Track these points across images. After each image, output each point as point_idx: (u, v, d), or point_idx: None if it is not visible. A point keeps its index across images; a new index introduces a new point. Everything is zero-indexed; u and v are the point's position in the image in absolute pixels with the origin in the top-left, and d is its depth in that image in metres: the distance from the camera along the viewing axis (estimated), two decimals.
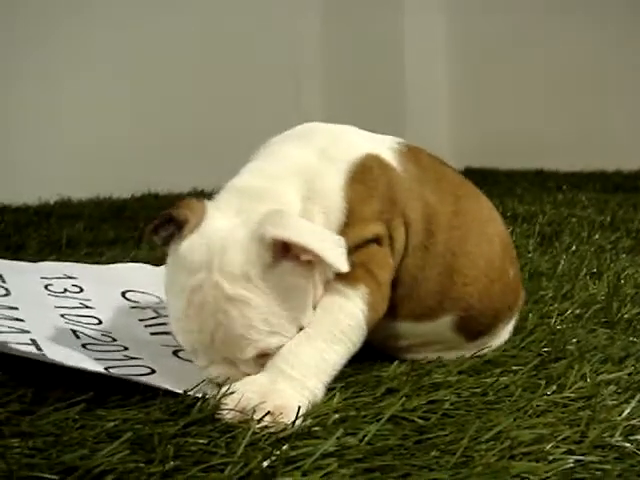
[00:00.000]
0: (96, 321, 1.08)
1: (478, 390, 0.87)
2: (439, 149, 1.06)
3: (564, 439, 0.73)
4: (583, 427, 0.76)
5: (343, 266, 0.83)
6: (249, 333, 0.82)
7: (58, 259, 1.51)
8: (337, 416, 0.77)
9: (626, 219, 2.18)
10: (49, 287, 1.20)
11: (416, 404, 0.81)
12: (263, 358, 0.84)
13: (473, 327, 1.00)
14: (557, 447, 0.72)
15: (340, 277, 0.87)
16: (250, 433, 0.70)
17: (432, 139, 4.01)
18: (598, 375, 0.92)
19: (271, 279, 0.83)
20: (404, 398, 0.82)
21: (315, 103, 3.33)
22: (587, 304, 1.27)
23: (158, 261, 1.35)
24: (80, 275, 1.27)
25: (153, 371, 0.89)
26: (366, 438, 0.71)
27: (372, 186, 0.93)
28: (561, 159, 3.62)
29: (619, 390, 0.88)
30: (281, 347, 0.84)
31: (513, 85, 3.86)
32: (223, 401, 0.77)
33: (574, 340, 1.07)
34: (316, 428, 0.74)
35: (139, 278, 1.32)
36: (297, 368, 0.82)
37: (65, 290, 1.20)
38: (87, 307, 1.14)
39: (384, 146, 0.98)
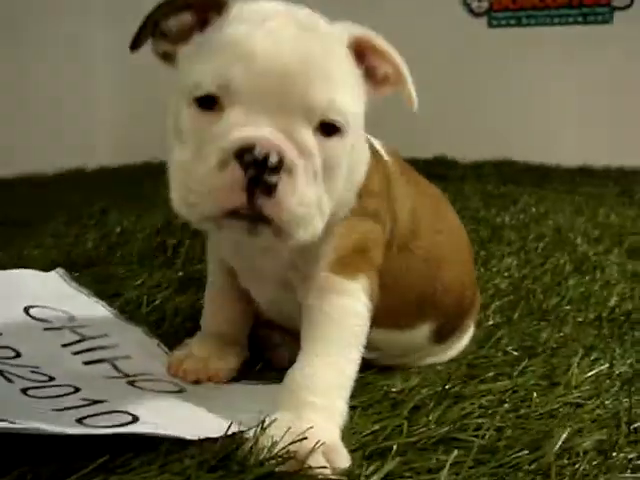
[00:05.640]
0: (13, 353, 0.88)
1: None
2: None
3: None
4: None
5: (414, 103, 0.79)
6: (328, 76, 0.71)
7: None
8: None
9: None
10: None
11: None
12: (321, 135, 0.73)
13: (446, 332, 0.98)
14: None
15: (338, 266, 0.80)
16: None
17: None
18: None
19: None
20: None
21: None
22: None
23: (47, 266, 1.21)
24: None
25: (135, 418, 0.72)
26: None
27: (377, 167, 0.89)
28: None
29: None
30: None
31: None
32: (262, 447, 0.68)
33: None
34: None
35: (37, 288, 1.10)
36: (319, 394, 0.74)
37: None
38: None
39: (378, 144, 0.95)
